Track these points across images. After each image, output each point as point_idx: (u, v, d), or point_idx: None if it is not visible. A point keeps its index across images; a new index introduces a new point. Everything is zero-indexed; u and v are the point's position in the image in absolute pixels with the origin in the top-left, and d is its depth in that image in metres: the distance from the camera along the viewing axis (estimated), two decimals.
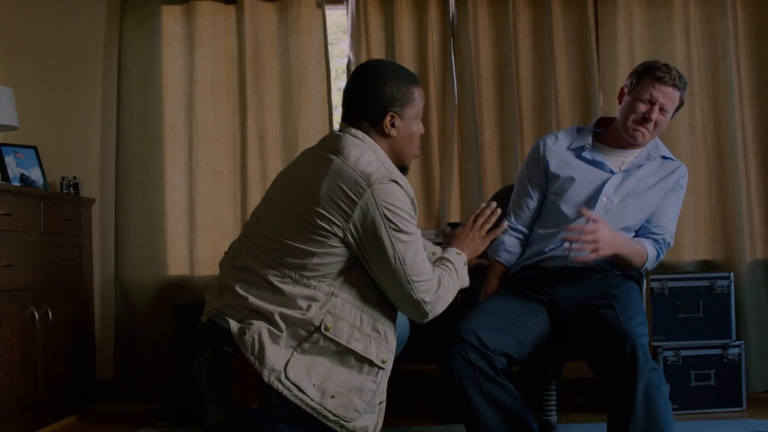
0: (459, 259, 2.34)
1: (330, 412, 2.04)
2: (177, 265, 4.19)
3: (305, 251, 2.06)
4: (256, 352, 2.01)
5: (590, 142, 2.80)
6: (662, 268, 3.94)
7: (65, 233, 3.95)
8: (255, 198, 4.10)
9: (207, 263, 4.15)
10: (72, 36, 4.32)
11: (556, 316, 2.63)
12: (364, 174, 2.04)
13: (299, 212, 2.08)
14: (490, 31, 4.18)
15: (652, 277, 3.75)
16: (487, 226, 2.46)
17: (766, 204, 4.14)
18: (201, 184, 4.19)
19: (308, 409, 2.03)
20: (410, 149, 2.24)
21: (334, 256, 2.07)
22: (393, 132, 2.18)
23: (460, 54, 4.11)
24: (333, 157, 2.11)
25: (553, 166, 2.80)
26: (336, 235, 2.05)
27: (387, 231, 2.04)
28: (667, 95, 2.65)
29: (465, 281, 2.35)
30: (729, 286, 3.78)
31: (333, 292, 2.08)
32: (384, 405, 2.20)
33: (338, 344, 2.07)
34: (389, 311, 2.18)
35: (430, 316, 2.16)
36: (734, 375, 3.76)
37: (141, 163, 4.15)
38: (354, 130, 2.18)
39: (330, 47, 4.28)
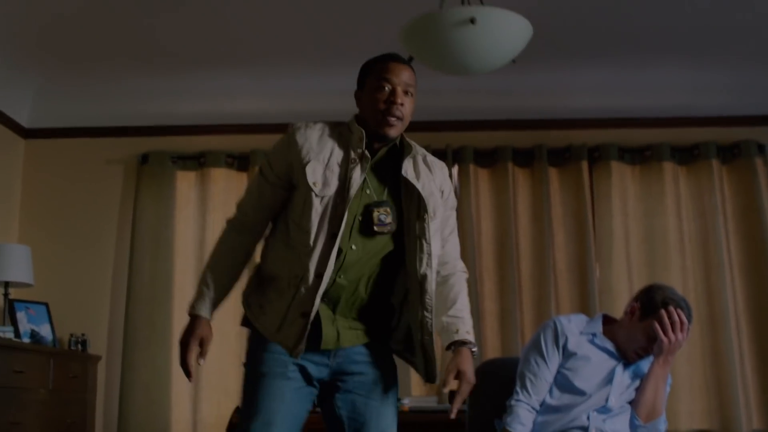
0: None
1: None
2: (180, 426, 4.18)
3: None
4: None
5: (601, 331, 2.92)
6: None
7: (72, 390, 3.98)
8: None
9: (210, 424, 4.15)
10: (89, 196, 4.50)
11: None
12: None
13: None
14: (490, 204, 4.37)
15: None
16: None
17: (761, 373, 4.20)
18: None
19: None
20: (372, 110, 2.32)
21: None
22: (359, 104, 2.37)
23: (462, 225, 4.23)
24: None
25: (572, 343, 2.89)
26: None
27: None
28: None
29: None
30: None
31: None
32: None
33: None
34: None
35: None
36: None
37: (149, 323, 4.24)
38: None
39: None
